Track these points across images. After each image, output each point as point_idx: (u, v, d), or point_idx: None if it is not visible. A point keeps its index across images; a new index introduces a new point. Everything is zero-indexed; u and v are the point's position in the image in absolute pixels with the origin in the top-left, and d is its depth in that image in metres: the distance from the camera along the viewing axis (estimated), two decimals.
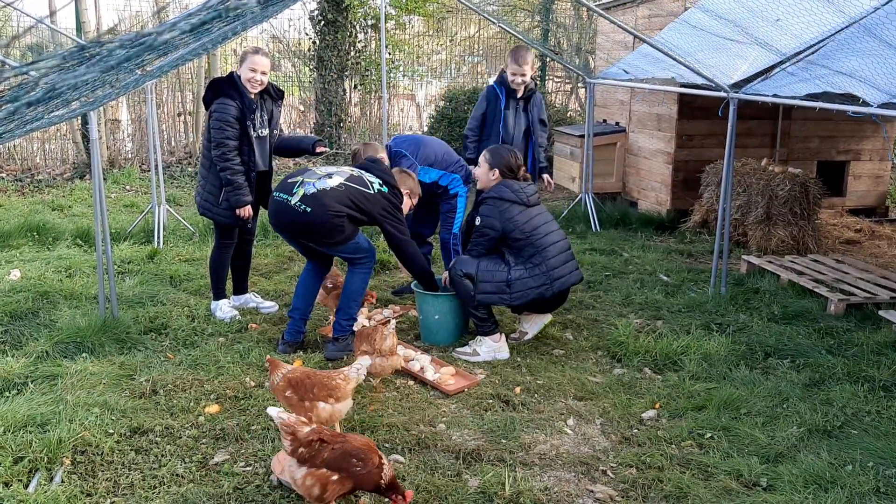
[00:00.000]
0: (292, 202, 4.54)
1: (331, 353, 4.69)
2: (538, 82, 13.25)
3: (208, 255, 6.68)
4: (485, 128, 6.07)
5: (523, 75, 5.84)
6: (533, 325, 5.00)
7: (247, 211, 5.05)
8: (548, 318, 5.06)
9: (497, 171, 4.84)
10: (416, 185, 5.12)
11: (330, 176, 4.62)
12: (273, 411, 3.04)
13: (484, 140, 6.00)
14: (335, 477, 2.93)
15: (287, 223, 4.62)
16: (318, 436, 2.98)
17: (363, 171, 4.75)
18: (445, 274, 4.95)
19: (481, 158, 4.95)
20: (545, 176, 6.14)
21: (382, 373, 4.17)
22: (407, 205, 4.95)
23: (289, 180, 4.69)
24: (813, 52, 5.15)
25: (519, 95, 5.99)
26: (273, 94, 5.20)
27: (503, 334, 4.82)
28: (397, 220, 4.73)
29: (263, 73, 5.05)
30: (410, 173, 5.14)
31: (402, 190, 4.87)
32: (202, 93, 5.99)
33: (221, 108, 4.94)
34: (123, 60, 1.74)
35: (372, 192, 4.63)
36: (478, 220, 4.77)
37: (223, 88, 5.00)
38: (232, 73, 5.08)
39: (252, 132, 5.02)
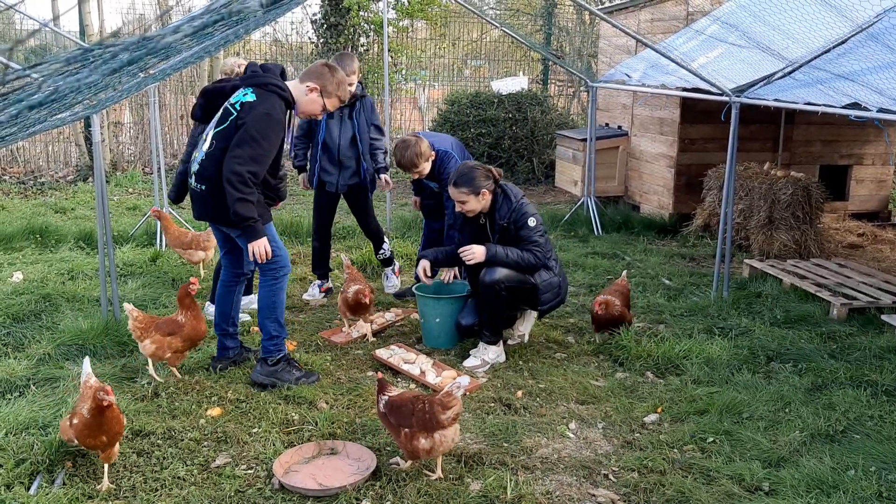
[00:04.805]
0: (193, 184, 4.18)
1: (254, 376, 4.26)
2: (543, 85, 13.30)
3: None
4: (312, 136, 5.75)
5: None
6: (527, 324, 4.99)
7: None
8: (535, 314, 5.01)
9: (484, 190, 4.56)
10: (329, 83, 4.17)
11: (205, 139, 4.12)
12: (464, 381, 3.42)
13: (312, 148, 5.73)
14: None
15: (200, 208, 4.20)
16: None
17: (231, 99, 4.15)
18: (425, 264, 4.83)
19: (458, 193, 4.58)
20: (383, 176, 5.77)
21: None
22: (317, 103, 4.20)
23: (190, 161, 4.32)
24: (818, 59, 5.15)
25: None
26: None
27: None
28: (249, 137, 3.93)
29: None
30: (333, 67, 4.28)
31: (309, 84, 4.17)
32: None
33: None
34: (127, 64, 1.74)
35: (235, 113, 4.02)
36: (532, 221, 4.57)
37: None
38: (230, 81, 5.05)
39: None
